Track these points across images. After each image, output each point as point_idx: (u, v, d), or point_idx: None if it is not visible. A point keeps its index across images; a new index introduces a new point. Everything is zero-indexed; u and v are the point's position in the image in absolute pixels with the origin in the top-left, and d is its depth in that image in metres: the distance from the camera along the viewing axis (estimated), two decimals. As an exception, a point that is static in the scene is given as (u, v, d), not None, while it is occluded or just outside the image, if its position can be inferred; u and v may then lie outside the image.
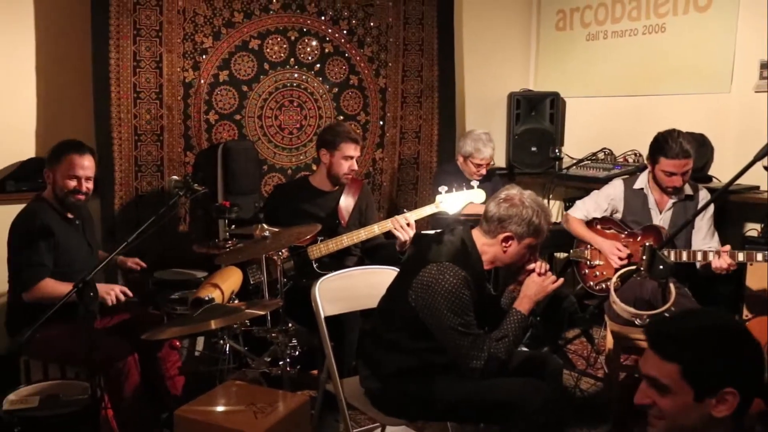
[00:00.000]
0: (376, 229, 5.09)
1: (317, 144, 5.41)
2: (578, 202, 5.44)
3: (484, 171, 6.02)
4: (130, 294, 4.37)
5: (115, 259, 4.71)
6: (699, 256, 4.65)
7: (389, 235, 5.14)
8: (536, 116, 7.21)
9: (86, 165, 4.38)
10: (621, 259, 5.00)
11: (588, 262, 5.24)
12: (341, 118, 6.49)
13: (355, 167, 5.34)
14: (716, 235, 5.01)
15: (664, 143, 4.85)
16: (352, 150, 5.25)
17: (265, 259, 4.73)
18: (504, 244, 3.56)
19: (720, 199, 5.33)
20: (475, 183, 5.15)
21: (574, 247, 5.36)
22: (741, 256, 4.50)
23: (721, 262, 4.50)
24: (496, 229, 3.56)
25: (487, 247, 3.61)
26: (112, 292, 4.24)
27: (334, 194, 5.40)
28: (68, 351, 4.09)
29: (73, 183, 4.34)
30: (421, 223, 5.36)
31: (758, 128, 5.50)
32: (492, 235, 3.58)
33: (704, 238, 4.96)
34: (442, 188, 5.05)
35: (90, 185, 4.43)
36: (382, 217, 5.77)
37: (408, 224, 4.96)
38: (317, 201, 5.37)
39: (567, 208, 6.54)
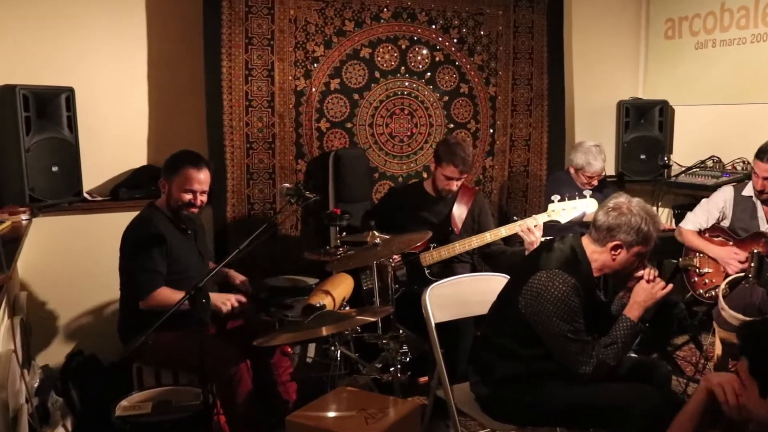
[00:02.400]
0: (488, 236, 4.93)
1: (434, 155, 5.21)
2: (689, 214, 5.29)
3: (595, 182, 5.76)
4: (245, 300, 4.24)
5: (224, 271, 4.59)
6: None
7: (508, 242, 5.06)
8: (645, 124, 6.88)
9: (202, 179, 4.23)
10: (741, 263, 4.79)
11: (697, 270, 5.08)
12: (451, 126, 6.29)
13: (453, 189, 5.13)
14: None
15: (761, 148, 4.80)
16: (451, 172, 5.03)
17: (377, 265, 4.66)
18: (613, 252, 3.47)
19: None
20: (587, 192, 4.90)
21: (683, 255, 5.23)
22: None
23: None
24: (605, 237, 3.46)
25: (597, 254, 3.51)
26: (228, 302, 4.13)
27: (448, 201, 5.24)
28: (181, 357, 4.00)
29: (188, 197, 4.20)
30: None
31: None
32: (601, 243, 3.49)
33: None
34: (555, 197, 4.85)
35: (204, 198, 4.29)
36: (495, 225, 5.37)
37: (536, 226, 4.77)
38: (431, 207, 5.23)
39: (676, 215, 6.44)
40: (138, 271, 4.10)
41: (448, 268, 5.06)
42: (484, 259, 5.28)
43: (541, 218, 4.80)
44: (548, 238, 4.40)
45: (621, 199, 3.51)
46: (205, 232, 4.71)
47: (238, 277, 4.65)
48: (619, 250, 3.46)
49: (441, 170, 5.06)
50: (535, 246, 4.62)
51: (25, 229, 4.36)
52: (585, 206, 4.83)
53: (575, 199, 4.85)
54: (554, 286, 3.34)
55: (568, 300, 3.32)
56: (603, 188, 5.93)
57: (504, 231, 4.90)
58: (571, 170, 5.88)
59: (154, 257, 4.10)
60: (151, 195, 4.77)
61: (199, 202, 4.24)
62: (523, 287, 3.45)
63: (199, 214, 4.42)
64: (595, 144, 5.80)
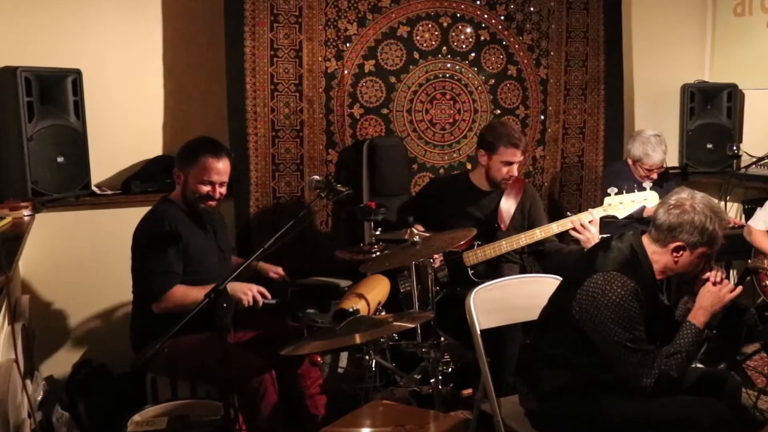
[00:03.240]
0: (537, 233, 4.85)
1: (477, 142, 5.14)
2: (759, 212, 5.31)
3: (655, 176, 5.70)
4: (269, 296, 4.12)
5: (254, 265, 4.47)
6: None
7: (563, 239, 5.02)
8: (712, 110, 6.77)
9: (222, 170, 4.14)
10: None
11: (768, 273, 5.13)
12: (498, 112, 6.11)
13: (515, 173, 5.01)
14: None
15: None
16: (511, 155, 4.92)
17: (415, 266, 4.61)
18: (675, 254, 3.39)
19: None
20: (647, 184, 4.82)
21: (753, 255, 5.29)
22: None
23: None
24: (666, 238, 3.39)
25: (658, 255, 3.44)
26: (249, 293, 4.01)
27: (494, 195, 5.12)
28: (199, 367, 3.95)
29: (206, 188, 4.11)
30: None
31: None
32: (662, 244, 3.41)
33: None
34: (612, 189, 4.75)
35: (223, 190, 4.20)
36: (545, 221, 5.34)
37: (591, 222, 4.69)
38: (476, 200, 5.11)
39: (746, 211, 6.38)
40: (151, 272, 4.02)
41: (494, 269, 4.96)
42: (536, 259, 5.19)
43: (597, 213, 4.72)
44: (605, 236, 4.39)
45: (683, 194, 3.42)
46: (226, 227, 4.65)
47: (272, 269, 4.55)
48: (681, 252, 3.38)
49: (497, 157, 4.92)
50: (592, 245, 4.55)
51: (27, 226, 4.31)
52: (645, 199, 4.75)
53: (634, 192, 4.77)
54: (612, 290, 3.27)
55: (627, 305, 3.25)
56: (664, 182, 5.86)
57: (555, 227, 4.81)
58: (629, 162, 5.81)
59: (169, 256, 4.02)
60: (165, 188, 4.72)
61: (217, 195, 4.15)
62: (577, 291, 3.37)
63: (218, 208, 4.32)
64: (655, 133, 5.73)
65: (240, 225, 5.39)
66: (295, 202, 5.52)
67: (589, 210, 4.72)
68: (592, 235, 4.62)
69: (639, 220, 5.03)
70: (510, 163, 4.93)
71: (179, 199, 4.19)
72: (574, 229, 4.67)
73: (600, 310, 3.27)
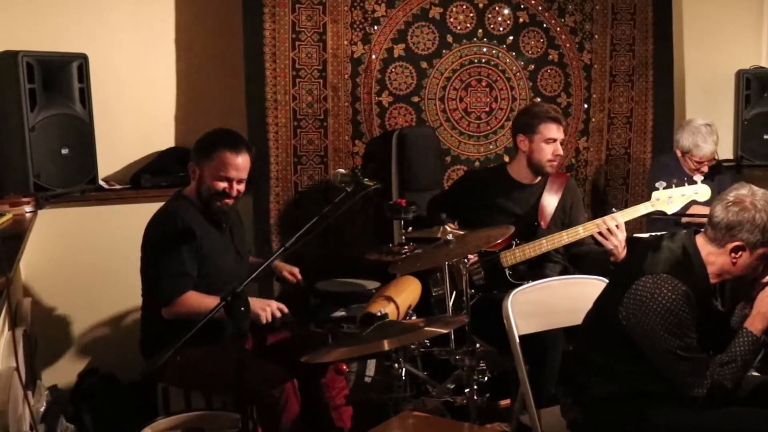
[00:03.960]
0: (580, 230, 4.78)
1: (513, 130, 5.08)
2: None
3: (705, 168, 5.65)
4: (287, 311, 4.09)
5: (271, 264, 4.43)
6: None
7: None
8: None
9: (240, 165, 4.09)
10: None
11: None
12: (538, 100, 6.04)
13: (560, 152, 4.98)
14: None
15: None
16: (554, 131, 4.88)
17: (448, 266, 4.56)
18: (733, 254, 3.32)
19: None
20: (698, 178, 4.79)
21: None
22: None
23: None
24: (724, 237, 3.32)
25: (713, 257, 3.38)
26: (268, 308, 3.98)
27: (535, 188, 5.06)
28: (214, 376, 3.92)
29: (222, 185, 4.07)
30: (633, 225, 5.20)
31: None
32: (719, 243, 3.35)
33: None
34: (660, 183, 4.74)
35: (241, 188, 4.16)
36: (589, 218, 5.27)
37: (617, 226, 4.68)
38: (515, 195, 5.05)
39: None
40: (162, 274, 3.99)
41: (534, 270, 4.91)
42: (572, 262, 5.16)
43: (622, 216, 4.70)
44: (654, 234, 4.45)
45: (743, 191, 3.34)
46: (243, 225, 4.61)
47: (286, 269, 4.50)
48: (740, 253, 3.31)
49: (539, 137, 4.88)
50: (621, 254, 4.68)
51: (29, 224, 4.29)
52: (696, 193, 4.73)
53: (684, 185, 4.75)
54: (662, 294, 3.22)
55: (678, 311, 3.21)
56: (716, 175, 5.82)
57: (582, 231, 4.78)
58: (678, 153, 5.76)
59: (182, 257, 3.98)
60: (178, 182, 4.65)
61: (235, 192, 4.10)
62: (624, 294, 3.34)
63: (235, 205, 4.29)
64: (706, 123, 5.66)
65: (258, 223, 5.35)
66: (318, 198, 5.48)
67: (612, 213, 4.73)
68: (618, 243, 4.63)
69: (686, 217, 4.99)
70: (553, 140, 4.89)
71: (193, 195, 4.15)
72: (600, 233, 4.69)
73: (648, 316, 3.23)
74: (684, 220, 5.06)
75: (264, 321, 3.97)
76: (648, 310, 3.24)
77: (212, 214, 4.16)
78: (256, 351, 4.22)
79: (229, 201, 4.12)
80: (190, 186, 4.17)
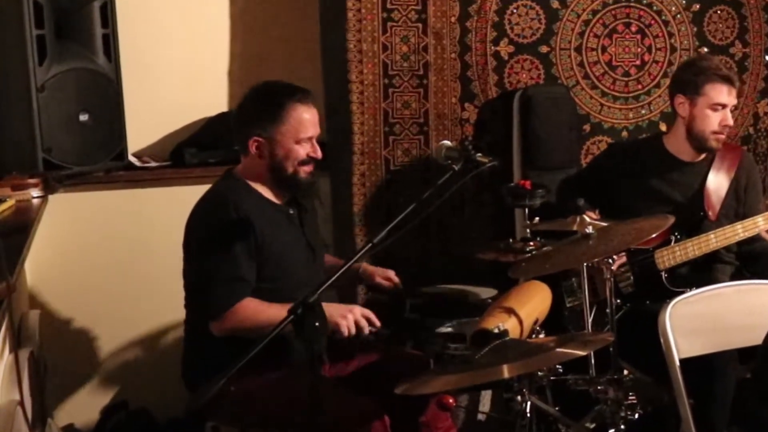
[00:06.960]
0: (760, 221, 4.52)
1: (671, 88, 4.79)
2: None
3: None
4: (378, 323, 3.83)
5: (355, 268, 4.22)
6: None
7: None
8: None
9: (317, 119, 3.96)
10: None
11: None
12: (704, 50, 5.68)
13: (730, 122, 4.67)
14: None
15: None
16: (724, 94, 4.59)
17: (587, 269, 4.30)
18: None
19: None
20: None
21: None
22: None
23: None
24: None
25: None
26: (350, 316, 3.75)
27: (698, 167, 4.78)
28: (280, 412, 3.73)
29: (306, 149, 3.91)
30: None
31: None
32: None
33: None
34: None
35: (319, 152, 3.98)
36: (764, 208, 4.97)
37: None
38: (674, 176, 4.79)
39: None
40: (212, 278, 3.77)
41: (699, 274, 4.65)
42: (743, 264, 4.90)
43: None
44: None
45: None
46: (317, 214, 4.43)
47: (378, 273, 4.29)
48: None
49: (704, 100, 4.59)
50: None
51: (37, 212, 4.08)
52: None
53: None
54: None
55: None
56: None
57: (762, 222, 4.56)
58: None
59: (236, 256, 3.77)
60: (231, 159, 4.34)
61: (320, 155, 3.96)
62: None
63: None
64: None
65: (338, 211, 5.16)
66: (415, 179, 5.21)
67: None
68: None
69: None
70: (722, 106, 4.62)
71: (252, 175, 3.95)
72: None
73: None
74: None
75: (346, 333, 3.73)
76: None
77: (301, 192, 4.05)
78: (336, 378, 4.01)
79: (311, 168, 3.98)
80: (243, 164, 4.00)
